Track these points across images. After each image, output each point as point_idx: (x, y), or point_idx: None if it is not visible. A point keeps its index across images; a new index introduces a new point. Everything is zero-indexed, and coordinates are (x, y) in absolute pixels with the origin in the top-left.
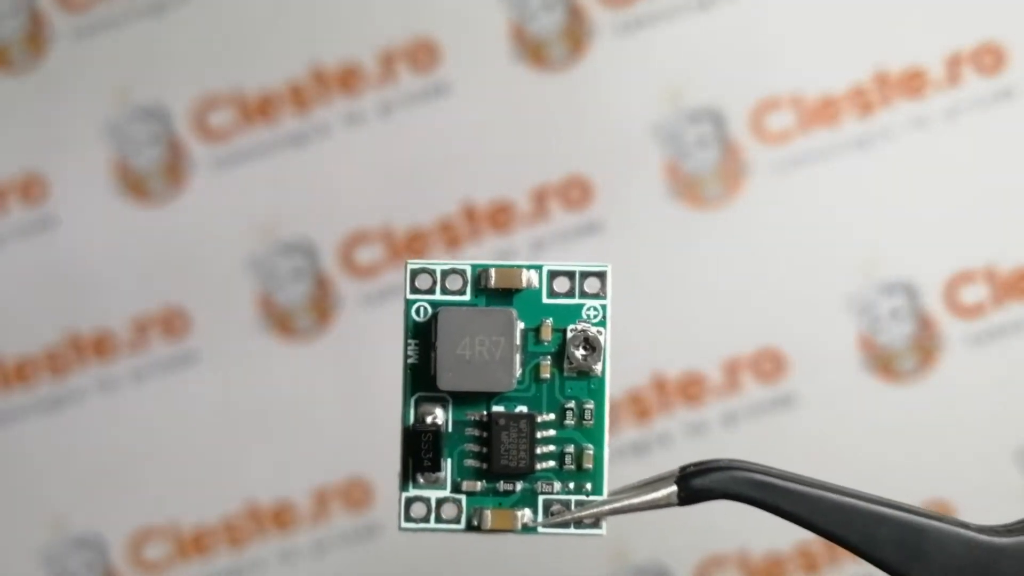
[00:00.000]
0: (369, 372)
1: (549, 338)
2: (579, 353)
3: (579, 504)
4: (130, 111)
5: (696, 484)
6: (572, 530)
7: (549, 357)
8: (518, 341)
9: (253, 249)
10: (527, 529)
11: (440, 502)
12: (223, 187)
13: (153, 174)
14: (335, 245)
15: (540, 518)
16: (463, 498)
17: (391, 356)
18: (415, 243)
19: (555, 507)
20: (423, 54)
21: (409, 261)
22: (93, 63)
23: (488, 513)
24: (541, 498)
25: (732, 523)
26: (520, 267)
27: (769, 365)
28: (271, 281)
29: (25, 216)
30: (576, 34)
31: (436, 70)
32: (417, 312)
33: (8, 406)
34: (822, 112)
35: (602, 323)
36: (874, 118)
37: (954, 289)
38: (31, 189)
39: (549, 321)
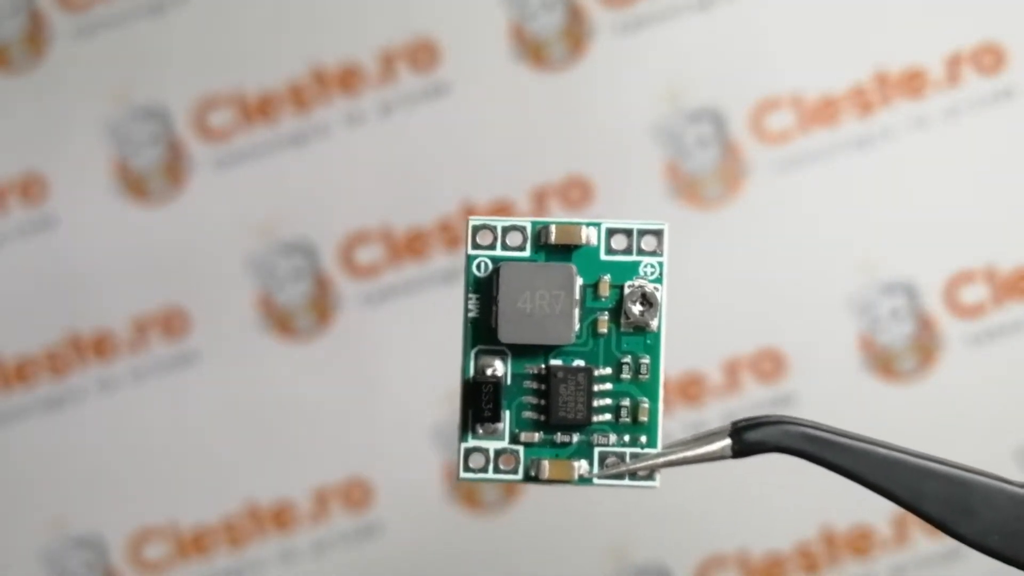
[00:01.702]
0: (369, 372)
1: (607, 294)
2: (636, 309)
3: (634, 456)
4: (130, 111)
5: (750, 437)
6: (627, 482)
7: (606, 313)
8: (577, 296)
9: (253, 249)
10: (583, 480)
11: (498, 453)
12: (223, 187)
13: (153, 174)
14: (335, 245)
15: (596, 470)
16: (521, 449)
17: (391, 356)
18: (415, 243)
19: (610, 459)
20: (423, 54)
21: (471, 217)
22: (93, 63)
23: (546, 463)
24: (597, 450)
25: (732, 523)
26: (580, 224)
27: (769, 365)
28: (271, 281)
29: (25, 216)
30: (576, 34)
31: (436, 70)
32: (478, 267)
33: (8, 406)
34: (822, 112)
35: (659, 280)
36: (874, 118)
37: (954, 289)
38: (31, 189)
39: (607, 277)
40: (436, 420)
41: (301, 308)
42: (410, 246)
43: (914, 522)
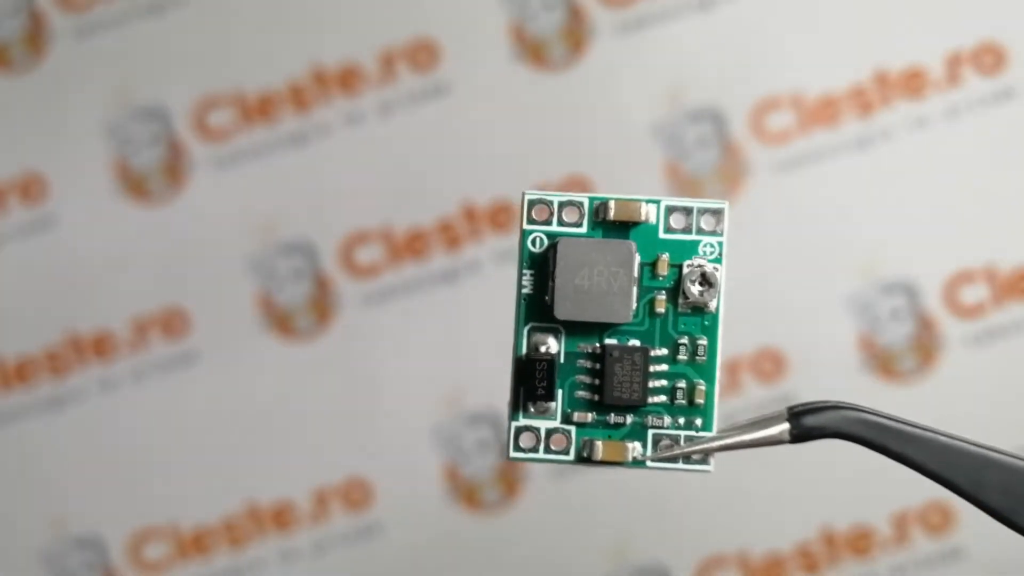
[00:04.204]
0: (368, 372)
1: (665, 273)
2: (695, 289)
3: (689, 439)
4: (130, 111)
5: (808, 422)
6: (680, 465)
7: (664, 292)
8: (636, 274)
9: (253, 249)
10: (636, 463)
11: (550, 432)
12: (223, 187)
13: (153, 174)
14: (335, 245)
15: (649, 452)
16: (573, 429)
17: (391, 356)
18: (415, 243)
19: (664, 442)
20: (423, 54)
21: (527, 192)
22: (93, 63)
23: (599, 444)
24: (651, 432)
25: (732, 523)
26: (639, 201)
27: (769, 365)
28: (271, 281)
29: (25, 216)
30: (576, 34)
31: (436, 70)
32: (533, 243)
33: (8, 406)
34: (822, 112)
35: (718, 260)
36: (874, 118)
37: (954, 289)
38: (31, 189)
39: (665, 256)
40: (436, 420)
41: (301, 308)
42: (410, 246)
43: (914, 522)
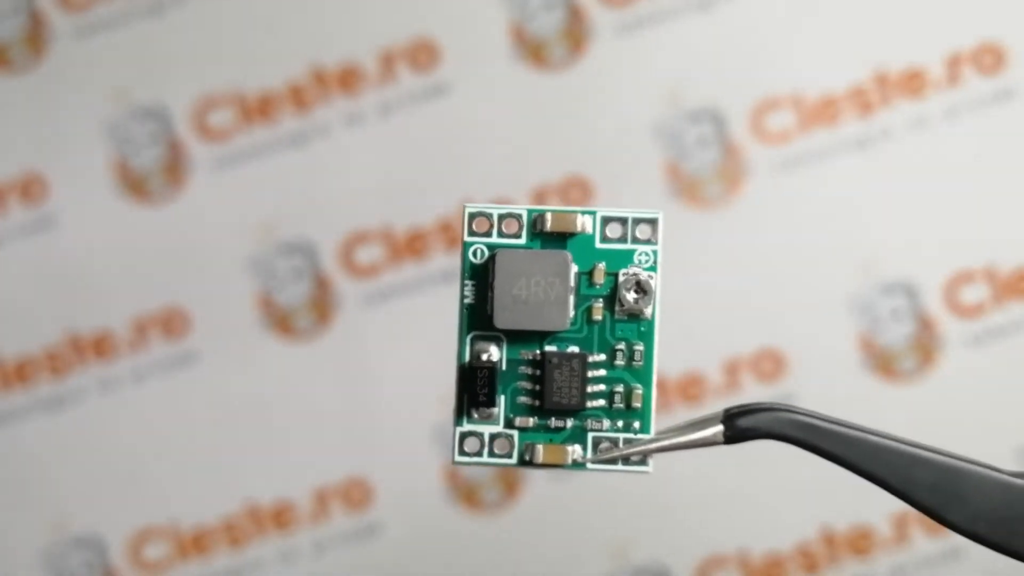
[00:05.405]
0: (368, 372)
1: (601, 281)
2: (631, 296)
3: (627, 442)
4: (130, 111)
5: (742, 424)
6: (620, 467)
7: (601, 300)
8: (572, 283)
9: (253, 249)
10: (577, 465)
11: (493, 437)
12: (223, 187)
13: (153, 174)
14: (335, 245)
15: (589, 454)
16: (515, 433)
17: (391, 355)
18: (415, 243)
19: (604, 444)
20: (423, 54)
21: (467, 204)
22: (93, 63)
23: (540, 448)
24: (591, 435)
25: (732, 523)
26: (575, 212)
27: (769, 365)
28: (271, 281)
29: (25, 216)
30: (576, 34)
31: (436, 70)
32: (474, 254)
33: (8, 406)
34: (822, 112)
35: (653, 268)
36: (874, 118)
37: (954, 289)
38: (31, 189)
39: (602, 265)
40: (436, 420)
41: (301, 308)
42: (410, 246)
43: (914, 522)
